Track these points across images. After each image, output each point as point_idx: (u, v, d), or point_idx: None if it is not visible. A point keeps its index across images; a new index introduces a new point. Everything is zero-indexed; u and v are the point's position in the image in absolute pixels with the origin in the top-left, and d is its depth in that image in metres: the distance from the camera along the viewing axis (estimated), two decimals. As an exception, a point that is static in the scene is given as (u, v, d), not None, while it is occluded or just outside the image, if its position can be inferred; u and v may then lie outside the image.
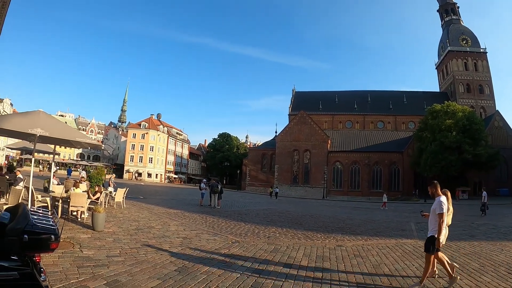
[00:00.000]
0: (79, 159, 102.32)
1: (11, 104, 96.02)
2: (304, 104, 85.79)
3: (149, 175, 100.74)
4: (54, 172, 18.78)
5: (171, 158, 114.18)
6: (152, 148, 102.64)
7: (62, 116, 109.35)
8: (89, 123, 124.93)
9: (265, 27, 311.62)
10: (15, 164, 38.43)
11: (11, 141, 41.86)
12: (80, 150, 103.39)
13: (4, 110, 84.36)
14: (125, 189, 18.56)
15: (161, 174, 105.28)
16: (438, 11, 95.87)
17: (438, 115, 61.23)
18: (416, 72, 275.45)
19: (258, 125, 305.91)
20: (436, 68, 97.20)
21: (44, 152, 22.65)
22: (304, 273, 7.50)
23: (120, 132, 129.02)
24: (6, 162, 58.69)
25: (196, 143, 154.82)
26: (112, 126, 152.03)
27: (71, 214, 12.20)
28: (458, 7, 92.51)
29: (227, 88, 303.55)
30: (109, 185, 21.92)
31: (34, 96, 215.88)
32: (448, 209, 6.89)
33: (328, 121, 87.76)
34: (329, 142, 76.39)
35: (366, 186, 72.69)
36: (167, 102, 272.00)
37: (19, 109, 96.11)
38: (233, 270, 7.27)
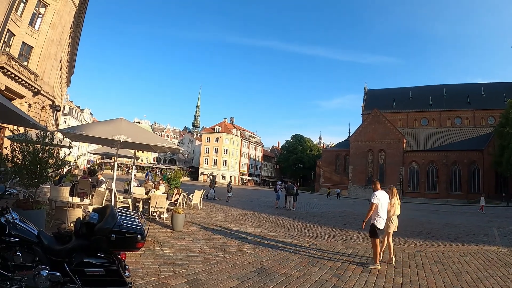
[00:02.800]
0: (156, 163, 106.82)
1: (91, 114, 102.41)
2: (377, 102, 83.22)
3: (223, 177, 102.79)
4: (134, 175, 19.63)
5: (244, 160, 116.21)
6: (226, 151, 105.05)
7: (139, 123, 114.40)
8: (165, 129, 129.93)
9: (332, 24, 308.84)
10: (96, 167, 40.81)
11: (92, 147, 44.37)
12: (156, 154, 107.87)
13: (85, 119, 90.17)
14: (202, 191, 19.00)
15: (235, 176, 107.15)
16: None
17: (520, 108, 55.07)
18: (493, 61, 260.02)
19: (331, 125, 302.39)
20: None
21: (124, 157, 23.72)
22: (384, 278, 7.26)
23: (194, 137, 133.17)
24: (87, 166, 62.45)
25: (269, 145, 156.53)
26: (187, 131, 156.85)
27: (151, 214, 12.63)
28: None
29: (298, 89, 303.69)
30: (229, 191, 26.78)
31: (112, 106, 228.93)
32: (393, 202, 8.93)
33: (403, 119, 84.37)
34: (404, 141, 73.52)
35: (444, 188, 68.78)
36: (239, 106, 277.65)
37: (98, 118, 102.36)
38: (312, 273, 7.15)
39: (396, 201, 9.07)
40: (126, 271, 4.10)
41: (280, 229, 13.56)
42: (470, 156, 68.20)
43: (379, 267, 8.01)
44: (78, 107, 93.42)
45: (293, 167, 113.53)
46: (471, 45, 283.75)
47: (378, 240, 8.23)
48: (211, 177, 36.70)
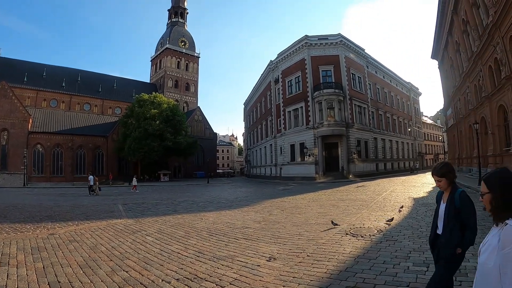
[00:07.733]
0: None
1: None
2: (8, 73, 73.11)
3: None
4: None
5: None
6: None
7: None
8: None
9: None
10: None
11: None
12: None
13: None
14: None
15: None
16: (168, 10, 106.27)
17: (145, 104, 66.65)
18: (132, 60, 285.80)
19: None
20: (151, 61, 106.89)
21: None
22: (24, 267, 6.87)
23: None
24: None
25: None
26: None
27: None
28: (187, 13, 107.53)
29: None
30: None
31: None
32: None
33: (32, 97, 78.14)
34: (31, 121, 68.64)
35: (70, 171, 69.87)
36: None
37: None
38: None
39: None
40: None
41: None
42: (96, 141, 73.19)
43: None
44: None
45: None
46: (115, 42, 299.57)
47: None
48: None
